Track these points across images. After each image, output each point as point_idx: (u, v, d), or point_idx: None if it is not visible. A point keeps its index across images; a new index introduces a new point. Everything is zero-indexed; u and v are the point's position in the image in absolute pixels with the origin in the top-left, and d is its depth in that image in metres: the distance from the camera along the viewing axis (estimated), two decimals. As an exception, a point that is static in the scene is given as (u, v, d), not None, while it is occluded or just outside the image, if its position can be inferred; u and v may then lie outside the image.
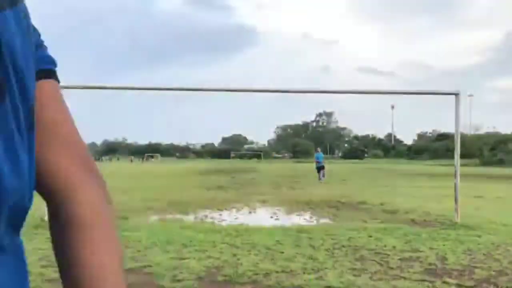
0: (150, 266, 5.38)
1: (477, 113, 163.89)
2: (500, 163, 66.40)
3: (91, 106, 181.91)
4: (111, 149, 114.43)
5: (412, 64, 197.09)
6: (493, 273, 5.30)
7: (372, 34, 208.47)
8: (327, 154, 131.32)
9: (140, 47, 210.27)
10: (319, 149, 25.50)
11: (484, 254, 6.26)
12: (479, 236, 7.50)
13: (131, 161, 72.27)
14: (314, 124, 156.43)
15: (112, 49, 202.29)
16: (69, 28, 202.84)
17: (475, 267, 5.55)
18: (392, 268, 5.45)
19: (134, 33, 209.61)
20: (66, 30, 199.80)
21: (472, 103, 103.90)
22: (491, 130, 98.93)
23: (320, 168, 23.38)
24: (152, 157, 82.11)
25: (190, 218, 9.83)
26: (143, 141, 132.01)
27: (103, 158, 78.11)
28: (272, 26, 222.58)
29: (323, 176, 23.06)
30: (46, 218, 8.61)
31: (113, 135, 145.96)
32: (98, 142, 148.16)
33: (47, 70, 0.70)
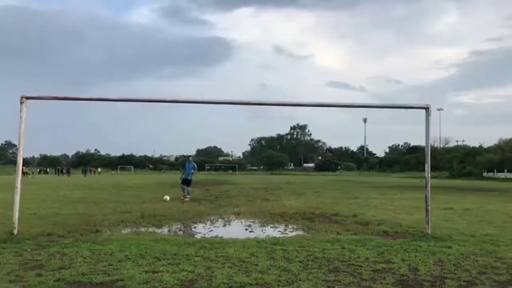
0: (122, 280, 5.28)
1: (445, 126, 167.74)
2: (469, 175, 68.07)
3: (63, 117, 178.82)
4: (83, 161, 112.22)
5: (381, 79, 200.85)
6: (463, 283, 5.41)
7: (341, 50, 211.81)
8: (300, 166, 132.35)
9: (115, 59, 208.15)
10: (190, 158, 20.04)
11: (454, 265, 6.38)
12: (450, 247, 7.65)
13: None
14: (289, 136, 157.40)
15: (88, 61, 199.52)
16: (44, 40, 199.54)
17: (446, 277, 5.66)
18: (365, 280, 5.50)
19: (109, 45, 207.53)
20: (41, 41, 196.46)
21: (442, 117, 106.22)
22: (460, 143, 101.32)
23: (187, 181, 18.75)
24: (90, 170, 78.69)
25: (163, 230, 9.71)
26: (116, 153, 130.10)
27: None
28: (246, 40, 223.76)
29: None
30: (15, 232, 8.39)
31: (86, 147, 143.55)
32: (70, 154, 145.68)
33: None
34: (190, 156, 21.49)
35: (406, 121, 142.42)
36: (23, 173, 58.59)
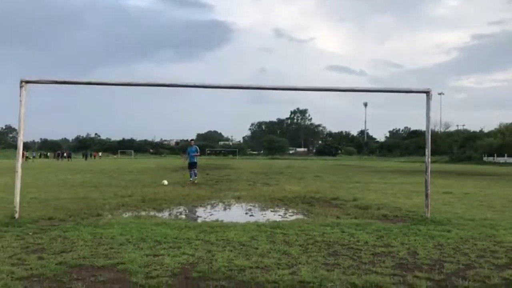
0: (123, 263, 5.32)
1: (446, 110, 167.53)
2: (469, 159, 68.12)
3: (63, 101, 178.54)
4: (83, 146, 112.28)
5: (381, 63, 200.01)
6: (462, 266, 5.45)
7: (342, 33, 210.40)
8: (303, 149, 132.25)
9: (115, 43, 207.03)
10: (192, 142, 20.73)
11: (453, 249, 6.42)
12: (449, 231, 7.69)
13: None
14: (289, 121, 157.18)
15: (87, 45, 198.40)
16: (43, 24, 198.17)
17: (445, 261, 5.69)
18: (364, 263, 5.54)
19: (108, 28, 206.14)
20: (40, 25, 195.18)
21: (442, 101, 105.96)
22: (461, 127, 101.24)
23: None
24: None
25: (164, 214, 9.76)
26: (116, 137, 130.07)
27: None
28: (246, 24, 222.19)
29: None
30: (16, 216, 8.43)
31: (86, 131, 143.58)
32: (70, 138, 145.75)
33: None
34: (192, 140, 21.76)
35: (407, 106, 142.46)
36: (26, 157, 58.72)
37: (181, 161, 19.92)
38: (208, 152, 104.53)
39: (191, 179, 19.03)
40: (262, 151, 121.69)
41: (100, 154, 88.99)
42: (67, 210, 9.83)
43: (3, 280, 4.58)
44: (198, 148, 20.23)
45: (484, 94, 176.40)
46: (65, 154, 70.46)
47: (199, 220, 9.14)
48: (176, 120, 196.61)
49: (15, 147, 10.22)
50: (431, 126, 10.11)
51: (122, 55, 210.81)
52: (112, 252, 5.89)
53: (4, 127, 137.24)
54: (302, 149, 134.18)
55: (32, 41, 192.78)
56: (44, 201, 11.48)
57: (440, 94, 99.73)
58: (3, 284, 4.42)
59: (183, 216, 9.60)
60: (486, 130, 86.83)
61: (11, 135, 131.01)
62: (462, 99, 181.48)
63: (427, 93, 9.38)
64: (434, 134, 76.25)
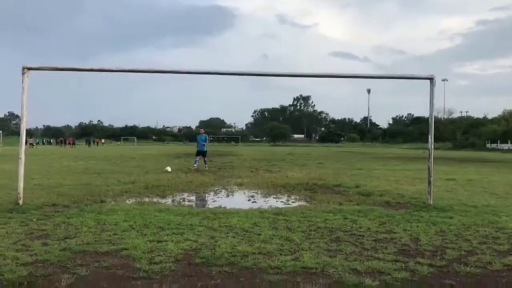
0: (126, 249, 5.36)
1: (449, 97, 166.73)
2: (472, 146, 67.97)
3: (66, 88, 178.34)
4: (86, 132, 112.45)
5: (385, 49, 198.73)
6: (464, 253, 5.46)
7: (345, 19, 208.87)
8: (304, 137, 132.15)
9: (116, 29, 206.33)
10: (202, 131, 21.18)
11: (455, 235, 6.43)
12: (451, 218, 7.70)
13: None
14: (292, 108, 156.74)
15: (88, 31, 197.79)
16: (44, 10, 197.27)
17: (447, 247, 5.71)
18: (366, 249, 5.56)
19: (109, 14, 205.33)
20: (41, 12, 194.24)
21: (446, 88, 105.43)
22: (464, 114, 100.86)
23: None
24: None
25: (167, 201, 9.80)
26: (118, 124, 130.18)
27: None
28: (249, 9, 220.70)
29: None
30: (20, 202, 8.48)
31: (89, 118, 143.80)
32: (73, 125, 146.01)
33: None
34: (201, 128, 22.10)
35: (410, 92, 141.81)
36: (30, 144, 58.69)
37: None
38: (211, 139, 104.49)
39: (194, 165, 19.17)
40: (264, 138, 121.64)
41: (103, 141, 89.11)
42: (71, 196, 9.87)
43: (8, 265, 4.62)
44: (207, 136, 20.84)
45: (488, 81, 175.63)
46: (68, 141, 70.57)
47: (202, 206, 9.18)
48: (178, 106, 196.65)
49: (18, 134, 10.23)
50: (435, 113, 10.07)
51: (124, 41, 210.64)
52: (116, 238, 5.92)
53: (7, 114, 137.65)
54: (300, 136, 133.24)
55: (34, 28, 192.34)
56: (47, 187, 11.53)
57: (443, 80, 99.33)
58: (8, 270, 4.46)
59: (194, 204, 9.61)
60: (489, 116, 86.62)
61: (14, 122, 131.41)
62: (466, 85, 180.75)
63: (431, 79, 9.33)
64: (438, 121, 76.04)
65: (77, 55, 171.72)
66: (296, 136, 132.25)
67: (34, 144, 63.43)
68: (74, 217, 7.33)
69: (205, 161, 19.68)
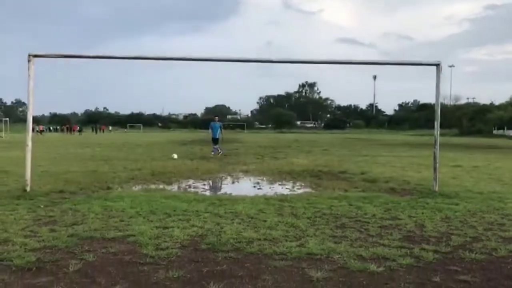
0: (133, 235, 5.41)
1: (456, 83, 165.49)
2: (478, 132, 67.57)
3: (71, 75, 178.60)
4: (92, 119, 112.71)
5: (391, 35, 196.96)
6: (469, 239, 5.47)
7: (351, 5, 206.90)
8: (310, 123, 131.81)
9: (121, 15, 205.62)
10: (216, 118, 21.19)
11: (460, 222, 6.44)
12: (457, 204, 7.70)
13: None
14: (297, 95, 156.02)
15: (92, 18, 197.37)
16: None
17: (452, 234, 5.72)
18: (371, 236, 5.58)
19: (114, 1, 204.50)
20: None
21: (453, 74, 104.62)
22: (471, 100, 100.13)
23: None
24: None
25: (173, 187, 9.85)
26: (124, 111, 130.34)
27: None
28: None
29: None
30: (27, 189, 8.56)
31: (95, 105, 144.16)
32: (79, 112, 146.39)
33: None
34: (216, 116, 22.20)
35: (416, 78, 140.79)
36: (40, 131, 58.89)
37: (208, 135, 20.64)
38: (211, 125, 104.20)
39: (213, 153, 19.55)
40: (270, 125, 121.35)
41: (110, 128, 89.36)
42: (78, 183, 9.95)
43: (17, 251, 4.68)
44: (221, 124, 21.19)
45: (495, 67, 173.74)
46: (73, 128, 70.80)
47: (208, 193, 9.22)
48: (184, 93, 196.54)
49: (24, 121, 10.29)
50: (441, 99, 10.01)
51: (129, 28, 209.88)
52: (123, 225, 5.98)
53: (14, 101, 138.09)
54: (307, 122, 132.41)
55: (39, 15, 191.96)
56: (55, 174, 11.62)
57: (450, 66, 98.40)
58: (17, 256, 4.52)
59: (192, 189, 9.67)
60: (496, 103, 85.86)
61: (20, 109, 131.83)
62: (473, 71, 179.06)
63: (437, 66, 9.26)
64: (444, 107, 75.52)
65: (82, 42, 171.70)
66: (303, 123, 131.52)
67: (44, 131, 63.63)
68: (81, 204, 7.40)
69: (217, 148, 19.96)
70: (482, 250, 4.97)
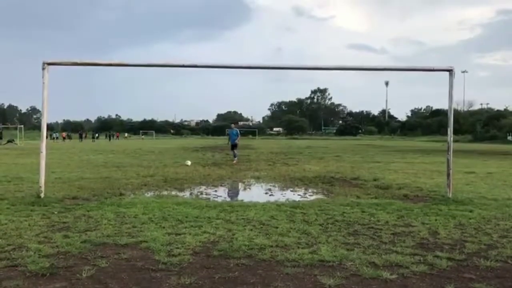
0: (146, 241, 5.43)
1: (469, 89, 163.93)
2: (492, 138, 66.82)
3: (84, 83, 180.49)
4: (105, 126, 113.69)
5: (403, 40, 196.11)
6: (484, 246, 5.40)
7: (363, 11, 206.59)
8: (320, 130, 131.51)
9: (134, 22, 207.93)
10: (233, 126, 22.27)
11: (475, 229, 6.36)
12: (471, 211, 7.61)
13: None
14: (309, 101, 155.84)
15: (107, 25, 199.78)
16: (62, 4, 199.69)
17: (466, 241, 5.65)
18: (384, 243, 5.54)
19: (127, 7, 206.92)
20: (59, 5, 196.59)
21: (466, 79, 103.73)
22: (484, 106, 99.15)
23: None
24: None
25: (185, 194, 9.88)
26: (137, 118, 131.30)
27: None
28: (265, 1, 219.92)
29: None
30: (42, 195, 8.64)
31: (107, 113, 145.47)
32: (93, 119, 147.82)
33: None
34: (232, 123, 22.51)
35: (429, 84, 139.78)
36: (64, 138, 59.90)
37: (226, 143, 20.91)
38: (228, 132, 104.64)
39: (235, 159, 19.82)
40: (281, 130, 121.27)
41: (126, 135, 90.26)
42: (91, 189, 10.03)
43: (31, 257, 4.73)
44: (238, 131, 21.48)
45: (509, 72, 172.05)
46: (95, 135, 71.71)
47: (220, 199, 9.23)
48: (196, 100, 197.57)
49: (39, 128, 10.41)
50: (454, 105, 9.93)
51: (142, 36, 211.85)
52: (135, 231, 6.01)
53: (29, 109, 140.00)
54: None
55: (53, 23, 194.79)
56: (68, 180, 11.72)
57: (463, 72, 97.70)
58: (31, 261, 4.56)
59: (204, 196, 9.68)
60: (511, 108, 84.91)
61: (35, 116, 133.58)
62: (486, 77, 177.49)
63: (450, 71, 9.19)
64: (457, 113, 74.90)
65: (97, 49, 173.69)
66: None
67: (55, 138, 64.25)
68: (94, 210, 7.45)
69: (235, 154, 20.19)
70: (497, 258, 4.90)
